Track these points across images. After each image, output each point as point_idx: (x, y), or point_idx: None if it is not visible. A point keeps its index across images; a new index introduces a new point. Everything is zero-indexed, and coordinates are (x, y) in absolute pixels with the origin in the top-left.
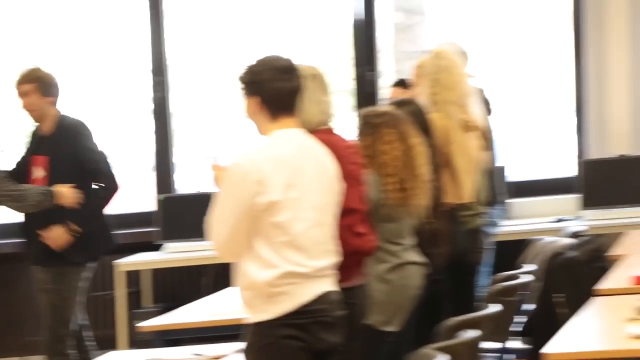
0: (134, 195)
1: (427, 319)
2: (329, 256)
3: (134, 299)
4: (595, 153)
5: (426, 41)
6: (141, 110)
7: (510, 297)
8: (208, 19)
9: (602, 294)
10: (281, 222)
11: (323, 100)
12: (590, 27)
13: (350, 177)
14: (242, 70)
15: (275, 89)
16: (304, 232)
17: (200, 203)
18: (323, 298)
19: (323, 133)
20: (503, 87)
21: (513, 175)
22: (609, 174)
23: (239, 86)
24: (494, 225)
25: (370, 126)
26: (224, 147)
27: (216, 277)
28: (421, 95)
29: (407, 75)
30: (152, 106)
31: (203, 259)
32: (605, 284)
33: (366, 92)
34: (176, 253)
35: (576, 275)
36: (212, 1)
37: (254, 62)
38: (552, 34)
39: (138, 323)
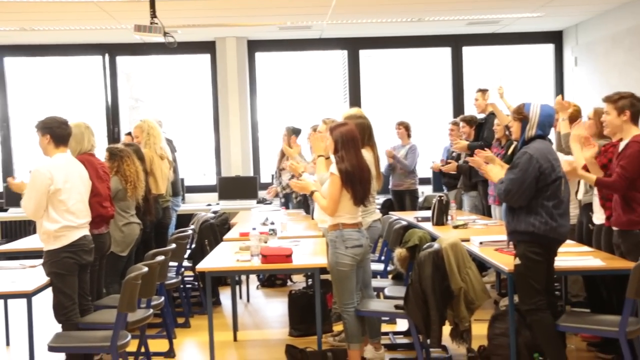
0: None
1: (142, 251)
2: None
3: None
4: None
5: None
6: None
7: (182, 241)
8: None
9: (227, 240)
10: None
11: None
12: None
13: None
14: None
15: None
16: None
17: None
18: (85, 238)
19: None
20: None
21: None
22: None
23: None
24: (177, 205)
25: (111, 154)
26: None
27: None
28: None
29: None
30: None
31: None
32: (229, 236)
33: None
34: None
35: (215, 231)
36: None
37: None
38: None
39: None
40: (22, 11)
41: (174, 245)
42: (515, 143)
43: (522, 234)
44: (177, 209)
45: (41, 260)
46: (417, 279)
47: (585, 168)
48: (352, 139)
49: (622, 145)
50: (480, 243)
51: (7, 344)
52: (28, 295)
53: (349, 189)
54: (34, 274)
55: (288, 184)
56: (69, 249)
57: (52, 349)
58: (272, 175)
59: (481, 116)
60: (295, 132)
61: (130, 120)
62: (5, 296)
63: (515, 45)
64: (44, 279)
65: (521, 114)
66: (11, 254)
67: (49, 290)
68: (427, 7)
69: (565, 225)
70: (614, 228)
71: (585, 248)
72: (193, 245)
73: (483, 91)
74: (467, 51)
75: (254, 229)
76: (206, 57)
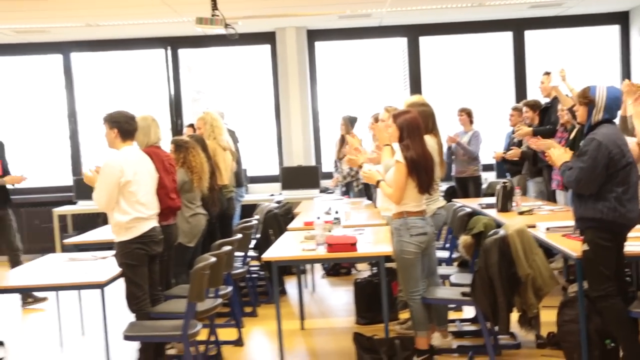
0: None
1: (208, 241)
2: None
3: None
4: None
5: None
6: None
7: (248, 231)
8: None
9: (292, 230)
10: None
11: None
12: None
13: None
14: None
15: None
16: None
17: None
18: (154, 229)
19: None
20: None
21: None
22: (294, 172)
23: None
24: (241, 196)
25: (177, 146)
26: None
27: None
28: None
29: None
30: None
31: None
32: (293, 225)
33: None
34: None
35: (279, 220)
36: None
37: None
38: None
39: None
40: (87, 7)
41: (239, 236)
42: (578, 126)
43: (590, 221)
44: (240, 200)
45: (112, 252)
46: (484, 266)
47: None
48: (416, 127)
49: None
50: (547, 229)
51: (82, 333)
52: (101, 286)
53: (415, 177)
54: (106, 265)
55: (348, 173)
56: (139, 240)
57: (127, 337)
58: (335, 163)
59: (546, 100)
60: (352, 121)
61: (192, 112)
62: (79, 287)
63: (580, 28)
64: (116, 269)
65: (587, 98)
66: (83, 246)
67: (121, 280)
68: None
69: (635, 210)
70: None
71: None
72: (258, 235)
73: (549, 74)
74: (530, 35)
75: (318, 218)
76: (266, 48)
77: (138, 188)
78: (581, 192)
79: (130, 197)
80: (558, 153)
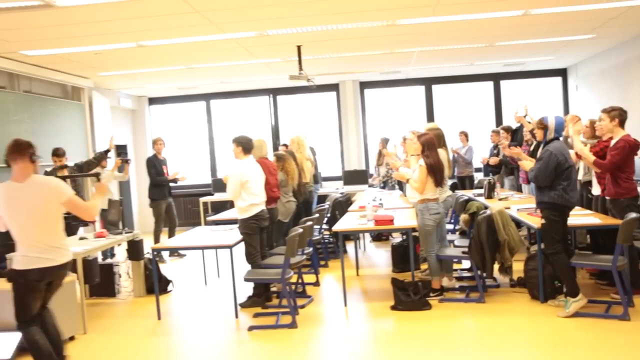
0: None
1: (297, 219)
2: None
3: None
4: (346, 167)
5: None
6: None
7: (322, 212)
8: None
9: (351, 211)
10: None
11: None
12: None
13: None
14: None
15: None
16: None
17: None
18: (262, 211)
19: (263, 159)
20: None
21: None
22: (351, 174)
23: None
24: (317, 189)
25: (278, 157)
26: None
27: None
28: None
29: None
30: None
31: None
32: (352, 208)
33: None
34: None
35: (342, 205)
36: None
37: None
38: None
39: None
40: (222, 73)
41: (317, 215)
42: (535, 142)
43: (546, 204)
44: (317, 192)
45: (236, 225)
46: (477, 234)
47: (579, 157)
48: (433, 144)
49: (613, 141)
50: (518, 210)
51: (218, 276)
52: (230, 247)
53: (432, 176)
54: (233, 234)
55: (386, 174)
56: (254, 218)
57: (246, 280)
58: (375, 168)
59: (517, 125)
60: (386, 140)
61: (284, 135)
62: (216, 247)
63: (535, 79)
64: (239, 237)
65: (542, 124)
66: (218, 222)
67: (242, 244)
68: (475, 54)
69: (575, 197)
70: (607, 197)
71: (587, 211)
72: (328, 215)
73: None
74: (504, 84)
75: (368, 203)
76: (333, 94)
77: (252, 184)
78: (539, 185)
79: (248, 190)
80: (526, 163)
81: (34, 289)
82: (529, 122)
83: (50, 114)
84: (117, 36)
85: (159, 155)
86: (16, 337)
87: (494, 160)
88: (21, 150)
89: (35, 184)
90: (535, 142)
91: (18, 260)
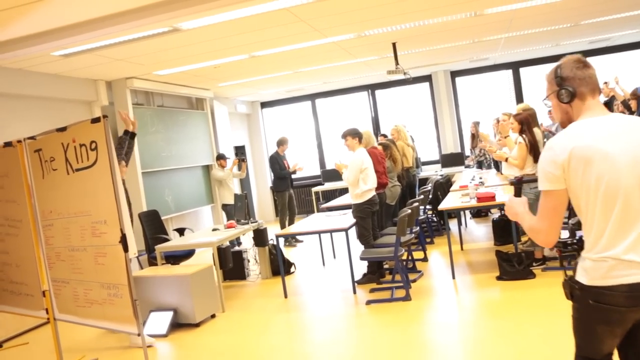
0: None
1: (402, 201)
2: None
3: None
4: (443, 151)
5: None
6: None
7: (426, 193)
8: None
9: (453, 191)
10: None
11: (372, 137)
12: None
13: (378, 161)
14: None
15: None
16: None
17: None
18: (374, 196)
19: (372, 148)
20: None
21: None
22: (448, 157)
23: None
24: (418, 173)
25: (384, 146)
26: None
27: None
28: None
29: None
30: None
31: None
32: (453, 188)
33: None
34: None
35: (443, 186)
36: None
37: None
38: None
39: None
40: (325, 74)
41: (422, 197)
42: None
43: None
44: (419, 175)
45: (347, 211)
46: None
47: None
48: (529, 122)
49: None
50: None
51: (334, 257)
52: (346, 230)
53: (531, 152)
54: (346, 219)
55: (480, 154)
56: (367, 202)
57: (362, 258)
58: (470, 150)
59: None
60: (477, 123)
61: (382, 127)
62: (331, 231)
63: (621, 52)
64: (352, 220)
65: (636, 94)
66: (331, 208)
67: (354, 227)
68: (560, 35)
69: None
70: None
71: None
72: (430, 196)
73: (606, 83)
74: (591, 60)
75: (470, 182)
76: (426, 85)
77: (368, 172)
78: None
79: (365, 177)
80: None
81: (611, 321)
82: (621, 94)
83: (180, 123)
84: (232, 50)
85: (280, 152)
86: (169, 316)
87: None
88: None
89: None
90: (628, 113)
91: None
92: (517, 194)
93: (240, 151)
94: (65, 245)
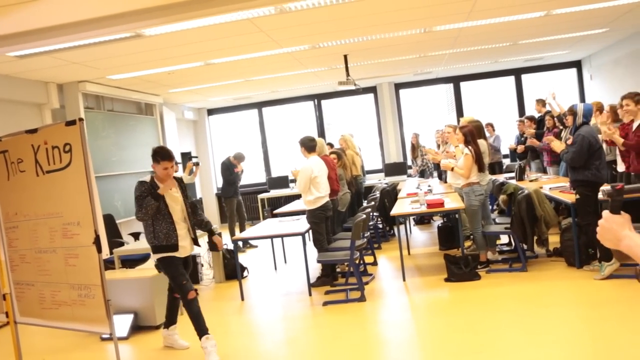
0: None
1: (349, 208)
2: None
3: None
4: (386, 160)
5: None
6: None
7: (374, 201)
8: None
9: (401, 198)
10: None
11: (325, 146)
12: None
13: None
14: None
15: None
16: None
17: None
18: (327, 202)
19: (324, 156)
20: None
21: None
22: (391, 166)
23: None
24: (364, 181)
25: (337, 155)
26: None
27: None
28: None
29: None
30: None
31: None
32: (400, 195)
33: None
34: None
35: (390, 194)
36: None
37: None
38: None
39: None
40: (274, 83)
41: (372, 203)
42: (565, 129)
43: (581, 181)
44: (364, 183)
45: (299, 217)
46: (517, 211)
47: (609, 143)
48: (473, 134)
49: (635, 123)
50: (550, 188)
51: (285, 262)
52: (302, 234)
53: (476, 162)
54: (300, 223)
55: (422, 164)
56: (320, 208)
57: (319, 261)
58: (412, 160)
59: (537, 115)
60: (417, 135)
61: (327, 136)
62: (288, 235)
63: (552, 71)
64: (307, 225)
65: (572, 111)
66: (282, 214)
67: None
68: (499, 53)
69: (605, 174)
70: (632, 173)
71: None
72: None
73: (538, 101)
74: (524, 78)
75: (419, 189)
76: (370, 96)
77: (320, 179)
78: (574, 165)
79: (316, 184)
80: (557, 144)
81: None
82: (557, 110)
83: (130, 128)
84: (189, 57)
85: (233, 162)
86: (129, 318)
87: (520, 149)
88: None
89: None
90: (559, 127)
91: None
92: (616, 209)
93: (187, 156)
94: (31, 248)
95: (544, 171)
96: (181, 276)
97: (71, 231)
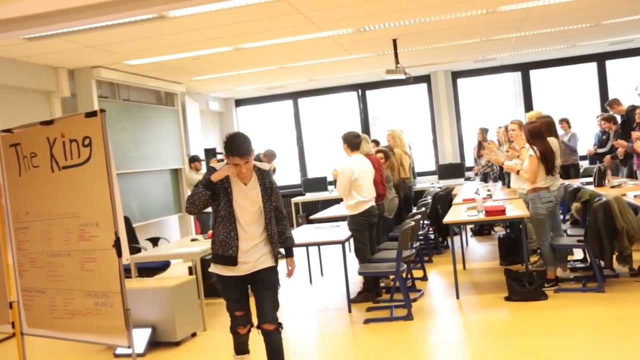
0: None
1: (397, 214)
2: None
3: None
4: (440, 161)
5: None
6: None
7: (425, 206)
8: None
9: (456, 204)
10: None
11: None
12: None
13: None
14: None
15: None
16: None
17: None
18: (372, 207)
19: (370, 155)
20: None
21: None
22: (446, 167)
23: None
24: (415, 184)
25: (385, 154)
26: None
27: None
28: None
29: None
30: None
31: None
32: (455, 201)
33: None
34: None
35: (444, 199)
36: None
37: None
38: None
39: None
40: (312, 71)
41: (423, 209)
42: None
43: None
44: (414, 187)
45: (342, 223)
46: (593, 221)
47: None
48: (538, 132)
49: None
50: (635, 196)
51: (322, 274)
52: (342, 242)
53: (543, 164)
54: (340, 230)
55: (486, 165)
56: (363, 214)
57: (360, 273)
58: (475, 160)
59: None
60: (485, 130)
61: (372, 132)
62: (327, 243)
63: None
64: (348, 233)
65: None
66: (319, 220)
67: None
68: (577, 35)
69: None
70: None
71: None
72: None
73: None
74: (610, 64)
75: (477, 194)
76: (423, 86)
77: (362, 182)
78: None
79: (357, 187)
80: None
81: None
82: None
83: (149, 121)
84: (218, 41)
85: (264, 159)
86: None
87: (607, 161)
88: None
89: None
90: None
91: None
92: None
93: (212, 153)
94: (43, 250)
95: (633, 176)
96: (235, 304)
97: (89, 233)
